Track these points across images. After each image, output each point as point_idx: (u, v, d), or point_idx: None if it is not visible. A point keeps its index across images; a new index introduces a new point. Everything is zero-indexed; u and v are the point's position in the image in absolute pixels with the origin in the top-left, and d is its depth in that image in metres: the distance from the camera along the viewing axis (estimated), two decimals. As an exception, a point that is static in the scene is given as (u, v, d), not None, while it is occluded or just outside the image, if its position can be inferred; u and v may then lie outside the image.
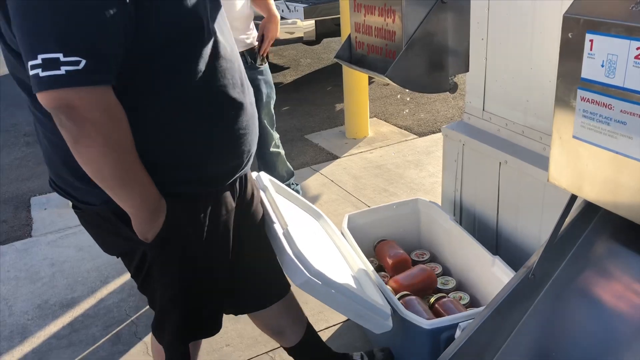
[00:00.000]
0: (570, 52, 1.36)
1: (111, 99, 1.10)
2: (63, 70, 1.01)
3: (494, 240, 2.13)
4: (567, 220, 1.60)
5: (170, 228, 1.31)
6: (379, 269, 2.26)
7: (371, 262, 2.26)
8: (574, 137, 1.45)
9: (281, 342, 1.88)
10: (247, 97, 1.38)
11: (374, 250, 2.32)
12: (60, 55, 1.01)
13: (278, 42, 5.43)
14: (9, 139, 4.77)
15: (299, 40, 5.19)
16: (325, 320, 2.37)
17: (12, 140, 4.74)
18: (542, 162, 1.85)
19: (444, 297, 1.97)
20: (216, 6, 1.32)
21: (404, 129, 4.44)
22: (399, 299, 1.90)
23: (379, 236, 2.33)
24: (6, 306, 2.65)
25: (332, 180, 3.63)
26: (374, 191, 3.45)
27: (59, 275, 2.84)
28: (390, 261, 2.22)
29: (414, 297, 1.95)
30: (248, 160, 1.44)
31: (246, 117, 1.36)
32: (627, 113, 1.30)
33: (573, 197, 1.57)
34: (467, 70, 1.55)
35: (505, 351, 1.60)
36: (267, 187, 1.74)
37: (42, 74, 1.01)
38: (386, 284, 2.01)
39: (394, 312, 1.74)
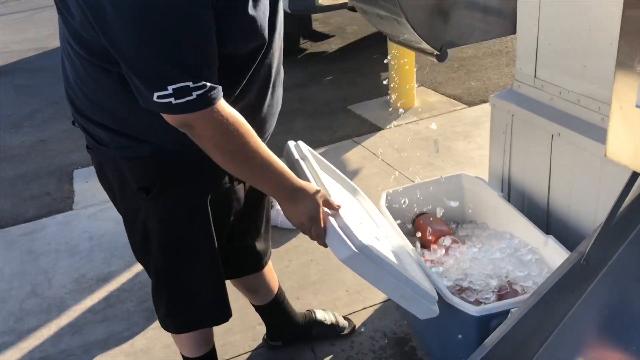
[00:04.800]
0: (636, 7, 1.17)
1: (221, 117, 1.18)
2: (195, 95, 1.12)
3: (545, 220, 1.96)
4: (627, 200, 1.42)
5: (168, 182, 1.40)
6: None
7: (411, 240, 2.14)
8: (638, 106, 1.27)
9: (252, 300, 2.00)
10: (278, 85, 1.51)
11: (413, 225, 2.18)
12: (190, 83, 1.11)
13: (322, 9, 5.26)
14: (57, 111, 4.82)
15: (343, 6, 4.99)
16: (362, 301, 2.27)
17: (60, 112, 4.77)
18: (599, 134, 1.67)
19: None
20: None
21: (453, 98, 4.23)
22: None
23: (419, 212, 2.18)
24: (46, 279, 2.67)
25: (373, 153, 3.49)
26: (419, 165, 3.29)
27: (96, 249, 2.84)
28: (432, 238, 2.07)
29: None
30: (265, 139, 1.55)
31: (272, 101, 1.49)
32: (702, 78, 1.12)
33: (635, 175, 1.39)
34: (514, 32, 1.37)
35: (554, 342, 1.46)
36: (306, 157, 1.64)
37: (175, 102, 1.12)
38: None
39: (439, 297, 1.61)
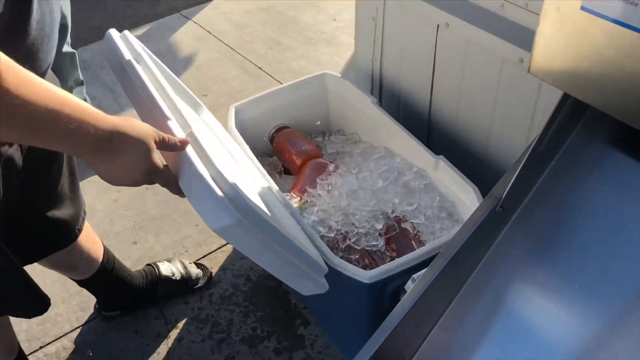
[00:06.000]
0: None
1: None
2: None
3: (425, 132, 1.63)
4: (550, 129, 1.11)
5: None
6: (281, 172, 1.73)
7: (271, 163, 1.73)
8: (583, 8, 0.91)
9: (72, 277, 1.55)
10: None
11: (271, 143, 1.75)
12: None
13: None
14: None
15: None
16: (217, 238, 1.86)
17: None
18: (499, 25, 1.31)
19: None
20: None
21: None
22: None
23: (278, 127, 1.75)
24: None
25: (209, 32, 2.89)
26: (264, 45, 2.77)
27: None
28: (297, 161, 1.66)
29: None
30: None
31: (42, 14, 0.93)
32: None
33: (564, 98, 1.07)
34: None
35: (457, 305, 1.19)
36: (142, 57, 1.07)
37: None
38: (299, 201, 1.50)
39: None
